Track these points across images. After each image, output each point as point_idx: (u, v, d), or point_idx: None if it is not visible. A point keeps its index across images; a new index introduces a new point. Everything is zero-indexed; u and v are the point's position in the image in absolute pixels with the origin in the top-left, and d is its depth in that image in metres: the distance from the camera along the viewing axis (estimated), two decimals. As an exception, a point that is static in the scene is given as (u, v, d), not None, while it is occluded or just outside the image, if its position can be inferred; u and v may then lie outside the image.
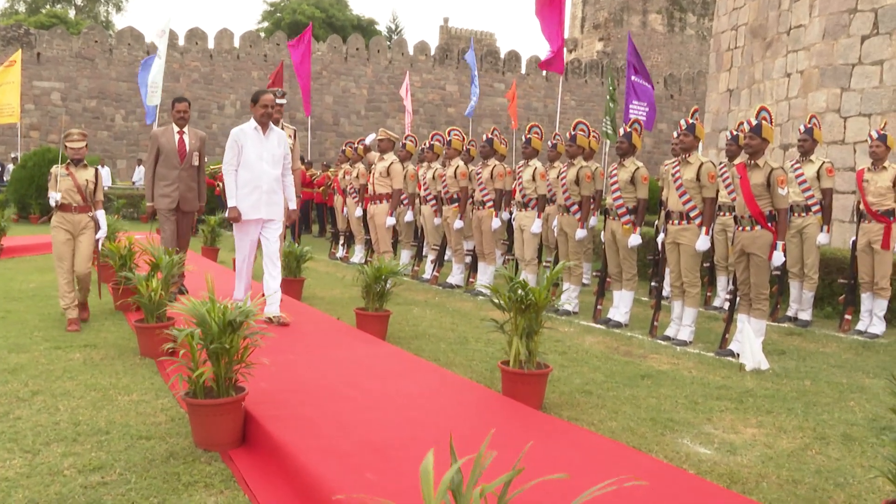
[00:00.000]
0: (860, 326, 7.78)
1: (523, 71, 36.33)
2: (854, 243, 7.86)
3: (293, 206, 7.03)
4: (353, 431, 3.80)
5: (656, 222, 8.02)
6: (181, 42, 30.75)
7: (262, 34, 37.68)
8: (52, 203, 6.77)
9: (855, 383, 5.70)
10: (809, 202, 8.01)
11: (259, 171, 6.60)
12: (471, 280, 10.07)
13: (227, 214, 6.70)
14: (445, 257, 10.82)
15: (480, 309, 8.35)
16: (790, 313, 8.34)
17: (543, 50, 14.74)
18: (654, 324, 7.31)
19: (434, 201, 10.57)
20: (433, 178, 10.52)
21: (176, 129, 7.68)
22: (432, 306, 8.56)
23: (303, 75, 20.40)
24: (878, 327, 7.65)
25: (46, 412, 4.36)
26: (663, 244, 7.23)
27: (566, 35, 48.85)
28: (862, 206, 7.73)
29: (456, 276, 10.33)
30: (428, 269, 10.88)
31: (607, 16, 47.83)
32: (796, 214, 8.04)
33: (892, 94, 10.76)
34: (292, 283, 8.34)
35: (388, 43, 35.65)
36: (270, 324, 6.30)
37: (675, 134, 7.19)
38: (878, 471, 2.95)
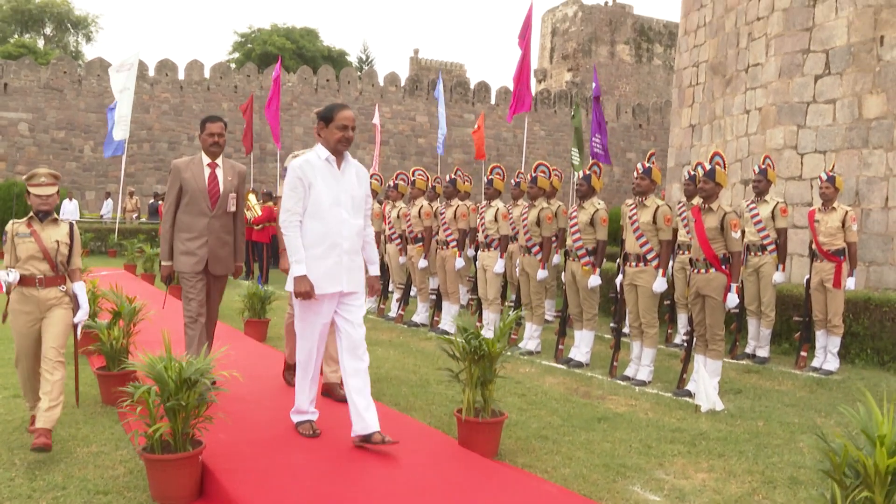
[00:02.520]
0: (815, 363, 7.95)
1: (493, 101, 36.70)
2: (808, 282, 8.06)
3: (375, 270, 4.99)
4: (306, 484, 3.86)
5: (618, 260, 8.17)
6: (151, 73, 30.80)
7: (233, 65, 37.78)
8: (4, 283, 4.75)
9: (806, 423, 5.84)
10: (765, 241, 8.21)
11: (337, 221, 4.56)
12: (435, 319, 10.14)
13: (291, 288, 4.52)
14: (411, 295, 10.90)
15: (445, 349, 8.44)
16: (749, 350, 8.50)
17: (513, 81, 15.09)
18: (613, 364, 7.42)
19: (399, 240, 10.66)
20: (398, 216, 10.62)
21: (206, 160, 5.65)
22: (396, 346, 8.63)
23: (272, 106, 20.53)
24: (832, 364, 7.83)
25: (1, 467, 4.35)
26: (622, 285, 7.36)
27: (535, 66, 49.46)
28: (814, 246, 7.93)
29: (421, 314, 10.42)
30: (393, 308, 10.96)
31: (576, 46, 48.56)
32: (752, 254, 8.24)
33: (845, 132, 11.04)
34: (256, 325, 8.38)
35: (359, 74, 35.87)
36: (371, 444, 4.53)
37: (635, 172, 7.35)
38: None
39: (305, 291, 4.44)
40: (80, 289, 4.92)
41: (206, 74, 31.83)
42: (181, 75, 31.41)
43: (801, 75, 11.79)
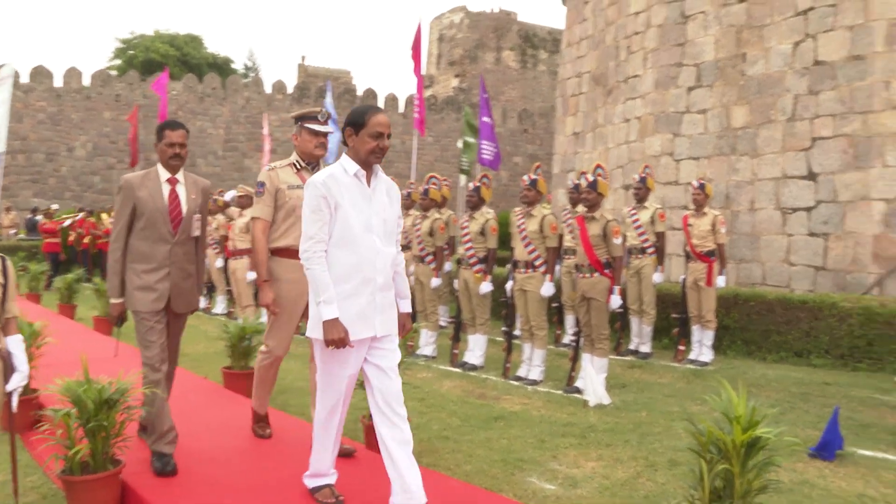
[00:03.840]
0: (692, 356, 8.60)
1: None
2: (683, 281, 8.70)
3: (407, 306, 4.06)
4: (222, 497, 4.05)
5: (508, 266, 8.61)
6: (25, 80, 29.69)
7: (115, 72, 36.78)
8: None
9: (683, 411, 6.37)
10: (645, 245, 8.81)
11: (369, 250, 3.69)
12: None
13: (316, 334, 3.65)
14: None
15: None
16: (632, 346, 9.09)
17: (400, 87, 15.43)
18: (506, 365, 7.84)
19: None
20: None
21: (164, 175, 4.65)
22: (296, 357, 8.80)
23: (162, 116, 20.26)
24: (707, 356, 8.49)
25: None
26: (512, 290, 7.79)
27: (423, 72, 49.92)
28: (688, 248, 8.58)
29: None
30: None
31: (462, 52, 49.29)
32: (634, 256, 8.83)
33: (716, 140, 11.85)
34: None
35: (245, 82, 35.49)
36: None
37: (522, 182, 7.78)
38: (683, 497, 3.48)
39: (339, 338, 3.54)
40: (15, 345, 3.92)
41: (86, 82, 30.90)
42: (58, 83, 30.40)
43: (676, 87, 12.56)
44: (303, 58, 47.95)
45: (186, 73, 36.79)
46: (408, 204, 10.37)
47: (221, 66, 46.24)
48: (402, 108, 37.28)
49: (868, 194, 9.91)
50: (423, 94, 15.60)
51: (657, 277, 8.82)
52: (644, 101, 13.21)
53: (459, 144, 16.48)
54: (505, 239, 10.67)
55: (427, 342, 8.83)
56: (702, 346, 8.55)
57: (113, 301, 4.70)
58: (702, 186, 8.54)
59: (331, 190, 3.64)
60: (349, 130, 3.71)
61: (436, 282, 8.65)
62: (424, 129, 15.59)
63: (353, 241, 3.66)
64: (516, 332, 8.50)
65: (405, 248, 9.43)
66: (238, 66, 51.13)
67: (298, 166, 4.90)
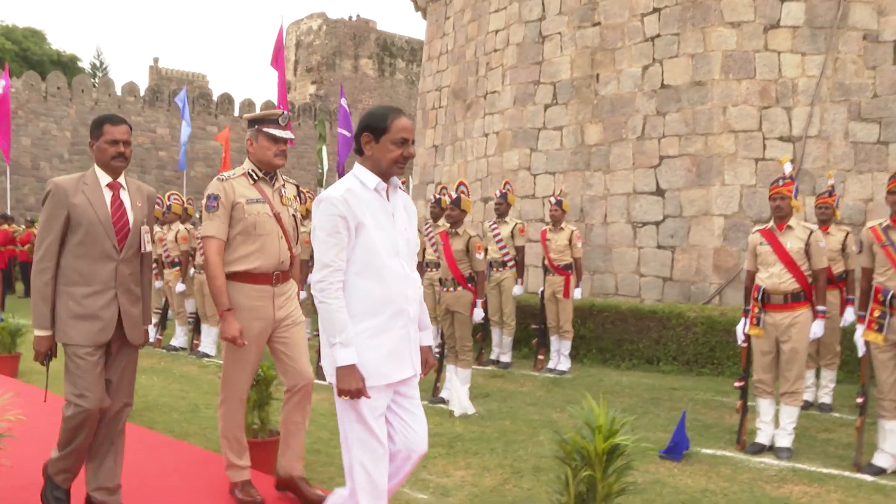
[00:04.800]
0: (551, 365, 9.01)
1: (237, 113, 36.25)
2: (542, 293, 9.11)
3: (429, 338, 3.44)
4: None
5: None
6: None
7: (-54, 69, 34.46)
8: None
9: (545, 418, 6.69)
10: (506, 258, 9.15)
11: (398, 278, 3.15)
12: (195, 342, 10.20)
13: (334, 382, 3.04)
14: (168, 319, 10.87)
15: (207, 372, 8.62)
16: (494, 356, 9.42)
17: (256, 92, 15.32)
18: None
19: (154, 264, 10.58)
20: (175, 239, 10.52)
21: (104, 179, 3.93)
22: (159, 372, 8.65)
23: (3, 118, 19.17)
24: (565, 364, 8.91)
25: None
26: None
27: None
28: (546, 262, 8.99)
29: (179, 338, 10.45)
30: (151, 333, 10.85)
31: (320, 59, 49.05)
32: (495, 269, 9.15)
33: (570, 156, 12.41)
34: (7, 361, 8.03)
35: (94, 82, 34.06)
36: None
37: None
38: (549, 501, 3.73)
39: (356, 389, 2.97)
40: None
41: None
42: None
43: (533, 104, 13.07)
44: (155, 59, 46.34)
45: (27, 69, 34.94)
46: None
47: (67, 65, 44.10)
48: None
49: (710, 210, 10.66)
50: (287, 102, 15.51)
51: (517, 290, 9.17)
52: (503, 117, 13.65)
53: (324, 155, 16.50)
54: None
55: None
56: (560, 355, 8.97)
57: (39, 334, 3.82)
58: (559, 203, 8.97)
59: (351, 208, 3.05)
60: (367, 136, 3.16)
61: (302, 295, 8.67)
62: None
63: (379, 268, 3.09)
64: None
65: None
66: (85, 64, 48.98)
67: (255, 177, 4.33)
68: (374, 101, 50.29)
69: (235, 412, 4.36)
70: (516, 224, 9.28)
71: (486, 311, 8.26)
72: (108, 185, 3.91)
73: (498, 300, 9.22)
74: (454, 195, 7.30)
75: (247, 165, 4.38)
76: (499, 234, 9.22)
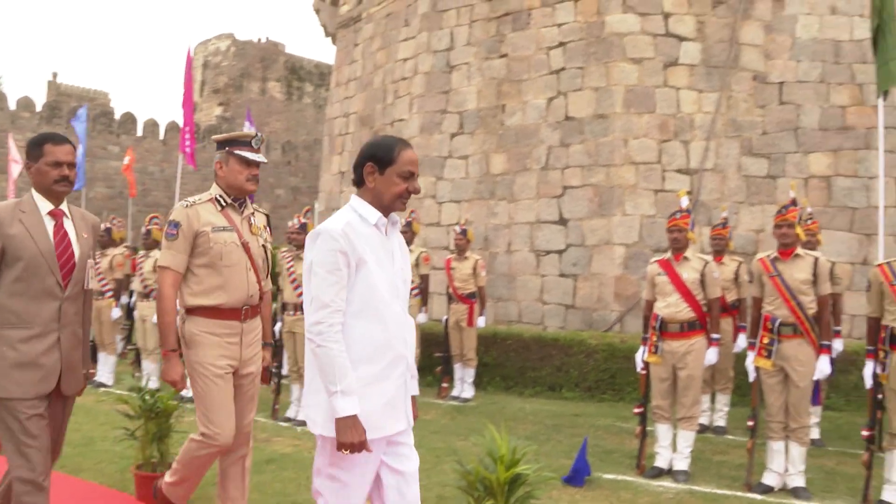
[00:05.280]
0: (455, 392, 9.05)
1: (139, 133, 35.41)
2: (446, 321, 9.16)
3: (415, 387, 3.17)
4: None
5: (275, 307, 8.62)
6: None
7: None
8: None
9: (449, 447, 6.70)
10: (410, 287, 9.17)
11: (397, 322, 2.95)
12: (91, 371, 9.84)
13: (322, 433, 2.87)
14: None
15: (102, 402, 8.34)
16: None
17: (159, 112, 15.06)
18: (275, 406, 7.86)
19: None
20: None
21: (45, 206, 3.53)
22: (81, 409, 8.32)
23: None
24: (469, 392, 8.97)
25: None
26: (282, 332, 7.83)
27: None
28: (450, 290, 9.06)
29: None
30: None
31: (227, 81, 48.40)
32: (406, 299, 9.18)
33: (475, 185, 12.57)
34: None
35: (-16, 97, 32.73)
36: None
37: (291, 224, 7.84)
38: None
39: (359, 442, 2.75)
40: None
41: None
42: None
43: (440, 132, 13.19)
44: (54, 74, 44.93)
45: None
46: (150, 244, 10.02)
47: (-44, 80, 42.30)
48: (162, 134, 35.90)
49: (611, 239, 10.93)
50: (193, 125, 15.24)
51: (421, 318, 9.20)
52: (410, 145, 13.72)
53: None
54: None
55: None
56: (464, 383, 9.02)
57: None
58: (464, 232, 9.07)
59: (352, 243, 2.84)
60: (370, 167, 2.94)
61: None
62: (191, 159, 15.20)
63: (379, 310, 2.87)
64: (284, 373, 8.52)
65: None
66: (-24, 79, 47.10)
67: (223, 203, 4.02)
68: (280, 125, 49.84)
69: (208, 458, 4.05)
70: (421, 252, 9.32)
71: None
72: (50, 213, 3.50)
73: (403, 328, 9.23)
74: None
75: (214, 190, 4.07)
76: (405, 262, 9.26)
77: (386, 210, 2.97)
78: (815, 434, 7.31)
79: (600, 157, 11.20)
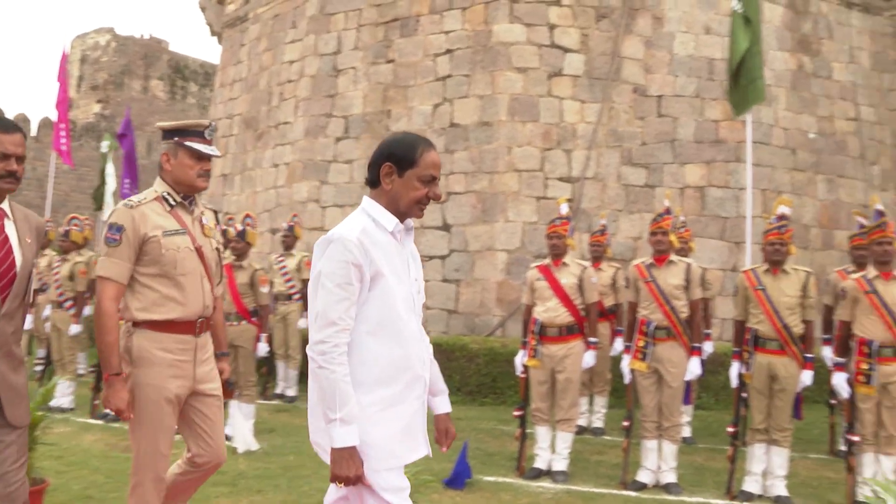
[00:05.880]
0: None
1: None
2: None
3: (447, 405, 2.98)
4: None
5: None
6: None
7: None
8: None
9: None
10: (291, 291, 9.06)
11: (416, 338, 2.72)
12: (95, 402, 9.19)
13: (334, 469, 2.54)
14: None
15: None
16: (279, 390, 9.25)
17: (34, 108, 14.41)
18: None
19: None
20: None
21: None
22: None
23: None
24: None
25: None
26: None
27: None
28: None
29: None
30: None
31: (107, 77, 46.67)
32: (280, 302, 9.03)
33: (360, 190, 12.49)
34: None
35: None
36: None
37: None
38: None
39: (355, 476, 2.52)
40: None
41: None
42: None
43: (325, 136, 13.08)
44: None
45: None
46: (45, 244, 9.47)
47: None
48: (34, 130, 34.29)
49: (493, 245, 11.07)
50: (67, 122, 14.62)
51: (302, 323, 9.10)
52: (293, 148, 13.57)
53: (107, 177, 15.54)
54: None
55: (64, 393, 8.24)
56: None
57: None
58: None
59: (369, 254, 2.57)
60: (389, 167, 2.64)
61: (75, 328, 8.13)
62: (67, 158, 14.53)
63: (397, 327, 2.62)
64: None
65: (40, 290, 8.69)
66: None
67: (171, 202, 3.57)
68: (163, 126, 48.41)
69: (153, 498, 3.45)
70: (303, 257, 9.23)
71: (270, 344, 8.10)
72: None
73: (284, 333, 9.10)
74: (240, 227, 7.16)
75: (160, 188, 3.59)
76: (285, 266, 9.14)
77: (402, 216, 2.69)
78: (686, 432, 7.61)
79: (484, 163, 11.34)
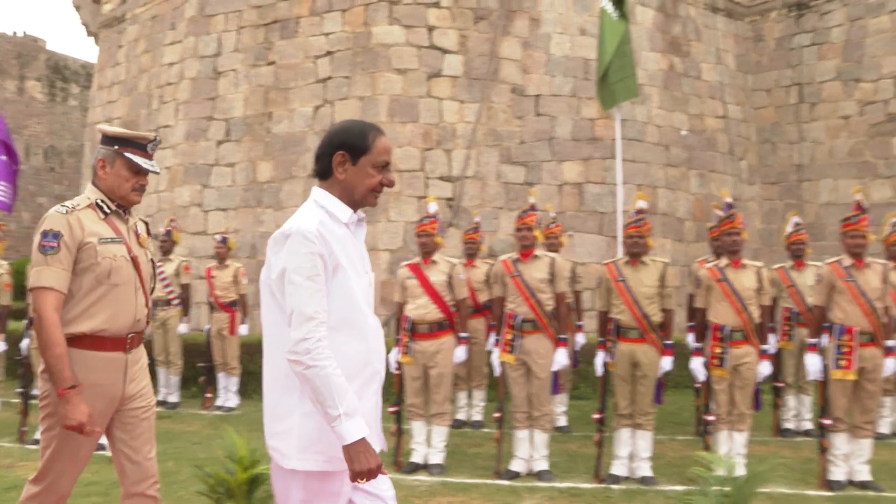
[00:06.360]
0: (219, 402, 8.90)
1: None
2: (208, 331, 9.00)
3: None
4: None
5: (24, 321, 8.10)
6: None
7: None
8: None
9: (211, 456, 6.55)
10: (170, 297, 8.94)
11: (375, 332, 2.68)
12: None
13: (331, 465, 2.50)
14: None
15: None
16: (160, 397, 9.10)
17: None
18: (22, 429, 7.36)
19: None
20: None
21: None
22: None
23: None
24: (233, 401, 8.87)
25: None
26: (28, 348, 7.36)
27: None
28: (211, 299, 8.92)
29: None
30: None
31: (-22, 79, 44.66)
32: (160, 308, 8.90)
33: (243, 193, 12.41)
34: None
35: None
36: None
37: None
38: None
39: (377, 465, 2.41)
40: None
41: None
42: None
43: (206, 140, 12.90)
44: None
45: None
46: None
47: None
48: None
49: (376, 245, 11.16)
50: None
51: (182, 328, 8.99)
52: (175, 152, 13.34)
53: None
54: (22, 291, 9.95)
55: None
56: (228, 391, 8.90)
57: None
58: (224, 241, 8.97)
59: (329, 245, 2.50)
60: (341, 156, 2.59)
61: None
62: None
63: (359, 322, 2.57)
64: (34, 393, 8.01)
65: None
66: None
67: (106, 210, 3.41)
68: (42, 129, 46.54)
69: None
70: (181, 262, 9.13)
71: (151, 351, 8.01)
72: None
73: (163, 339, 8.97)
74: (162, 230, 7.10)
75: (93, 194, 3.42)
76: (163, 272, 9.00)
77: (356, 205, 2.64)
78: (562, 421, 7.89)
79: (367, 164, 11.40)
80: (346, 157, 2.58)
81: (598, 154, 11.96)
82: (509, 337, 6.10)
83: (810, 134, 14.44)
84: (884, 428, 7.88)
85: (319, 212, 2.57)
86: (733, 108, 14.51)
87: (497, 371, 6.26)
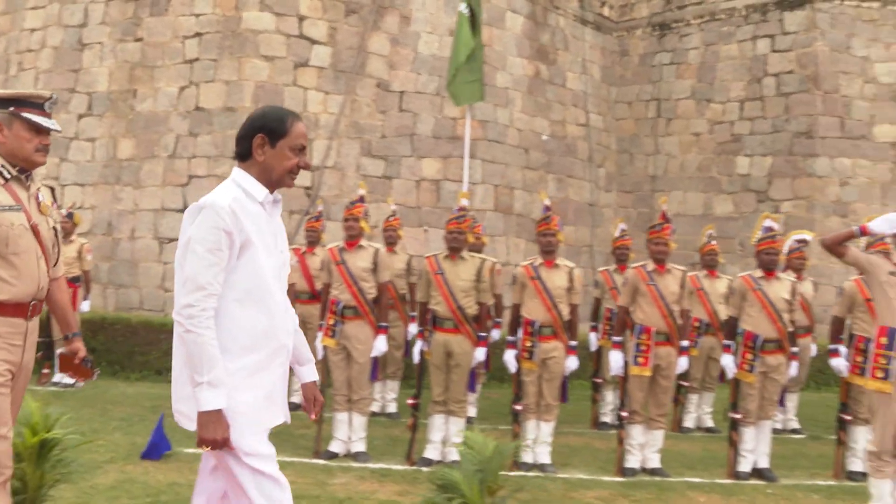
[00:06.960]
0: (56, 378, 8.88)
1: None
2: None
3: (314, 373, 3.15)
4: None
5: None
6: None
7: None
8: None
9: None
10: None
11: (281, 308, 2.82)
12: None
13: (200, 433, 2.62)
14: None
15: None
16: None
17: None
18: None
19: None
20: None
21: None
22: None
23: None
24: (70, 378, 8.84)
25: None
26: None
27: None
28: None
29: None
30: None
31: None
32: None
33: (102, 169, 12.26)
34: None
35: None
36: None
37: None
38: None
39: (223, 439, 2.59)
40: None
41: None
42: None
43: (67, 112, 12.64)
44: None
45: None
46: None
47: None
48: None
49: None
50: None
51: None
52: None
53: None
54: None
55: None
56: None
57: None
58: (70, 216, 8.92)
59: (240, 221, 2.66)
60: (261, 138, 2.76)
61: None
62: None
63: (265, 296, 2.72)
64: None
65: None
66: None
67: (6, 175, 3.31)
68: None
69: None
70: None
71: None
72: None
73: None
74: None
75: None
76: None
77: (273, 186, 2.81)
78: (392, 408, 8.29)
79: (227, 148, 11.45)
80: (265, 139, 2.76)
81: (458, 152, 12.30)
82: (332, 322, 6.39)
83: (665, 147, 15.31)
84: (688, 423, 8.58)
85: (236, 190, 2.75)
86: (595, 117, 15.22)
87: (318, 355, 6.46)
